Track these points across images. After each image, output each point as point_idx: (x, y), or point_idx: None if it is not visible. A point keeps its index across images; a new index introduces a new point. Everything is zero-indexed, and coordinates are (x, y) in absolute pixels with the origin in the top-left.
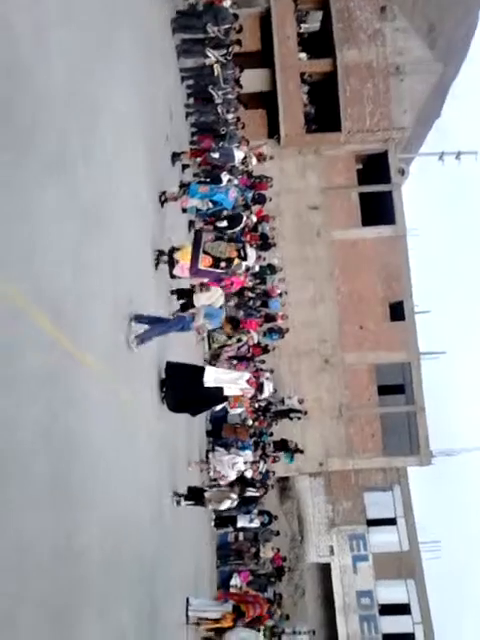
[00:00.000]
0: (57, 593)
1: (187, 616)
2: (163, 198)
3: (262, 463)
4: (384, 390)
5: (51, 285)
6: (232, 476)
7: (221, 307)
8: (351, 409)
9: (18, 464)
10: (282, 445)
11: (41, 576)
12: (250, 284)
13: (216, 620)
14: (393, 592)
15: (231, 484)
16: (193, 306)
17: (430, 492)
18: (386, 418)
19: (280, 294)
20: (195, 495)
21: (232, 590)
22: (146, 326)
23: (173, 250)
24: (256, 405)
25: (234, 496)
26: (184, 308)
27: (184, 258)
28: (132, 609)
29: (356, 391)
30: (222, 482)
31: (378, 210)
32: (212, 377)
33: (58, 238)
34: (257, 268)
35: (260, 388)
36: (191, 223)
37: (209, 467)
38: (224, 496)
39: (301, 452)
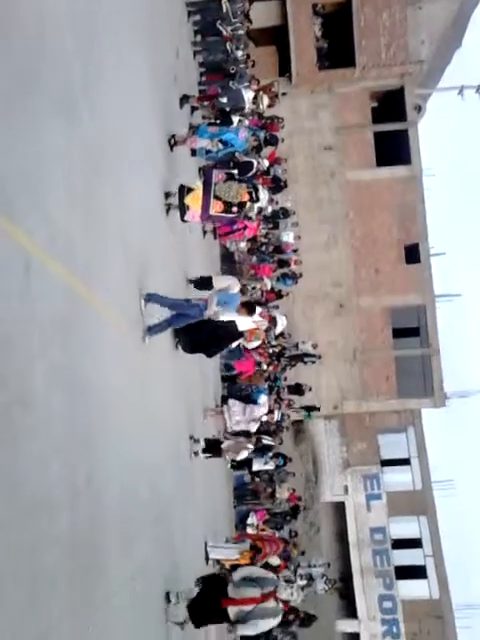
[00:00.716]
0: (78, 528)
1: (206, 556)
2: (173, 141)
3: (277, 412)
4: (399, 333)
5: (63, 230)
6: (252, 429)
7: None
8: (365, 353)
9: (38, 407)
10: (296, 389)
11: (63, 513)
12: (263, 231)
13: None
14: (405, 528)
15: (247, 434)
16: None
17: (444, 433)
18: (401, 361)
19: (295, 249)
20: (212, 447)
21: (249, 529)
22: (157, 307)
23: (183, 189)
24: (270, 350)
25: (251, 446)
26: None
27: (194, 205)
28: (152, 543)
29: (371, 335)
30: (237, 428)
31: (393, 150)
32: (227, 315)
33: (66, 182)
34: (270, 210)
35: (273, 322)
36: (201, 170)
37: (225, 418)
38: (241, 447)
39: (317, 409)
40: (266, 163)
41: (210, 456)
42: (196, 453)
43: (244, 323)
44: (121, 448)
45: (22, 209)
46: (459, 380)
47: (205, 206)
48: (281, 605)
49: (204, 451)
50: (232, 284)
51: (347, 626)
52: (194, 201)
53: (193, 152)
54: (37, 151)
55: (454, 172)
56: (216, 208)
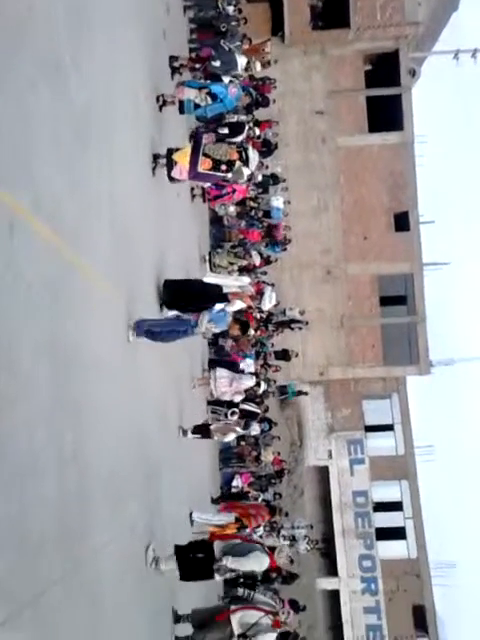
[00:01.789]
0: (65, 493)
1: (191, 523)
2: (161, 101)
3: (263, 385)
4: (386, 301)
5: (48, 192)
6: (237, 399)
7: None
8: (352, 320)
9: (23, 373)
10: (283, 355)
11: (50, 477)
12: (252, 194)
13: (220, 527)
14: (387, 491)
15: (232, 404)
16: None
17: (428, 400)
18: (387, 328)
19: (286, 228)
20: (201, 430)
21: (234, 490)
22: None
23: (171, 151)
24: (257, 315)
25: (239, 429)
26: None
27: (182, 160)
28: (139, 505)
29: (358, 302)
30: (223, 398)
31: (386, 115)
32: (211, 280)
33: (52, 143)
34: (260, 177)
35: (261, 295)
36: (191, 133)
37: (211, 387)
38: (229, 429)
39: (305, 394)
40: (257, 131)
41: (199, 437)
42: (185, 432)
43: (230, 288)
44: (108, 414)
45: (6, 170)
46: (444, 348)
47: (193, 162)
48: (267, 550)
49: (193, 432)
50: (243, 289)
51: (328, 584)
52: (182, 157)
53: (181, 107)
54: (22, 112)
55: (447, 139)
56: (204, 165)
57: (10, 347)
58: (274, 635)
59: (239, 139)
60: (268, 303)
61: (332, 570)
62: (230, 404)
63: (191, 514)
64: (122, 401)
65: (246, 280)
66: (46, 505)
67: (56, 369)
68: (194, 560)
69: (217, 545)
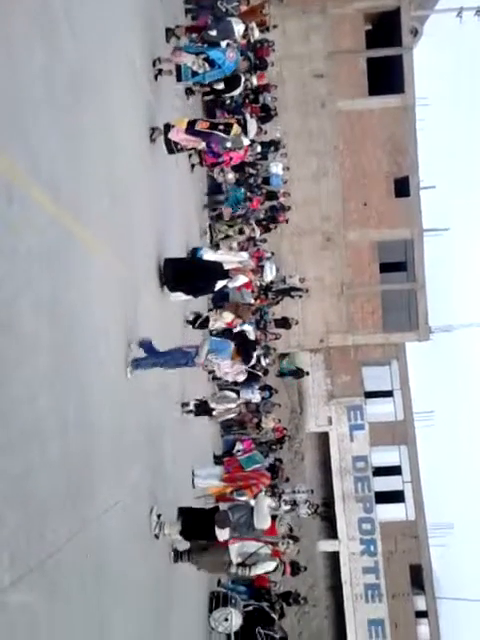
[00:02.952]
0: (70, 455)
1: (193, 483)
2: (157, 69)
3: (264, 360)
4: (386, 267)
5: (45, 159)
6: (240, 379)
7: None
8: (352, 287)
9: (25, 340)
10: (283, 323)
11: (54, 440)
12: (250, 159)
13: (219, 488)
14: (386, 456)
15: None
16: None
17: (427, 366)
18: (387, 295)
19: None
20: (202, 408)
21: (237, 455)
22: (145, 354)
23: (168, 125)
24: (257, 283)
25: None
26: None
27: (180, 124)
28: (143, 468)
29: (358, 269)
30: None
31: (387, 77)
32: (211, 256)
33: (48, 107)
34: (259, 148)
35: (261, 269)
36: (188, 90)
37: (214, 368)
38: (229, 412)
39: (307, 374)
40: (255, 81)
41: (199, 414)
42: (189, 411)
43: (230, 264)
44: (110, 380)
45: (2, 135)
46: (444, 314)
47: (191, 123)
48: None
49: (196, 414)
50: (243, 264)
51: (328, 546)
52: (180, 121)
53: (178, 74)
54: (16, 75)
55: (449, 101)
56: (202, 125)
57: (11, 312)
58: (274, 564)
59: (236, 92)
60: (269, 275)
61: (332, 533)
62: (234, 385)
63: (193, 471)
64: (122, 368)
65: (245, 255)
66: (51, 467)
67: (58, 334)
68: (198, 523)
69: (233, 549)
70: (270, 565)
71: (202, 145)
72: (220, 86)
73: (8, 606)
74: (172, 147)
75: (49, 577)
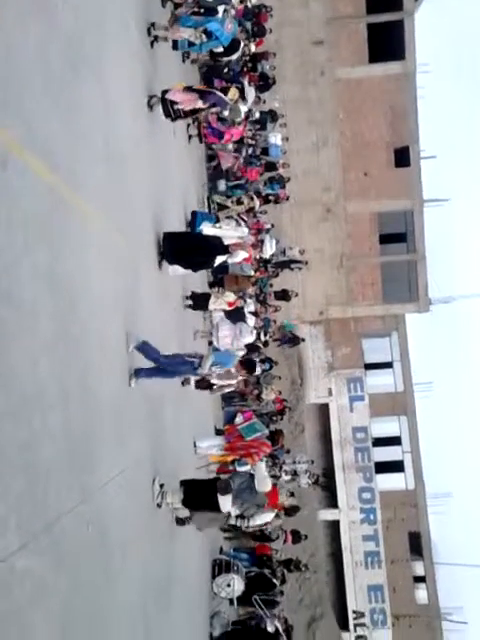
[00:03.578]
0: (72, 424)
1: (195, 450)
2: (153, 35)
3: (263, 335)
4: (386, 239)
5: (41, 127)
6: (241, 345)
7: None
8: (352, 259)
9: (24, 309)
10: (283, 295)
11: (56, 409)
12: (250, 133)
13: (221, 456)
14: (386, 427)
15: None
16: (206, 309)
17: (427, 337)
18: (387, 267)
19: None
20: (202, 383)
21: (237, 425)
22: (148, 361)
23: (165, 91)
24: (257, 256)
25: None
26: (195, 308)
27: (178, 85)
28: (145, 438)
29: (357, 241)
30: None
31: (387, 44)
32: (211, 230)
33: (44, 75)
34: (257, 115)
35: (261, 243)
36: (185, 54)
37: (213, 339)
38: (228, 386)
39: (303, 340)
40: (253, 47)
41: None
42: (186, 381)
43: (230, 239)
44: (111, 350)
45: None
46: (444, 285)
47: (189, 85)
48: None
49: (196, 388)
50: (243, 239)
51: (328, 515)
52: (177, 84)
53: (174, 44)
54: (10, 42)
55: (450, 68)
56: (200, 85)
57: (10, 280)
58: (271, 515)
59: (234, 57)
60: (269, 250)
61: (332, 502)
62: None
63: (194, 443)
64: (126, 338)
65: (245, 230)
66: (53, 436)
67: (56, 302)
68: (200, 492)
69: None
70: (268, 516)
71: (200, 103)
72: (219, 50)
73: (15, 569)
74: (169, 109)
75: (54, 544)
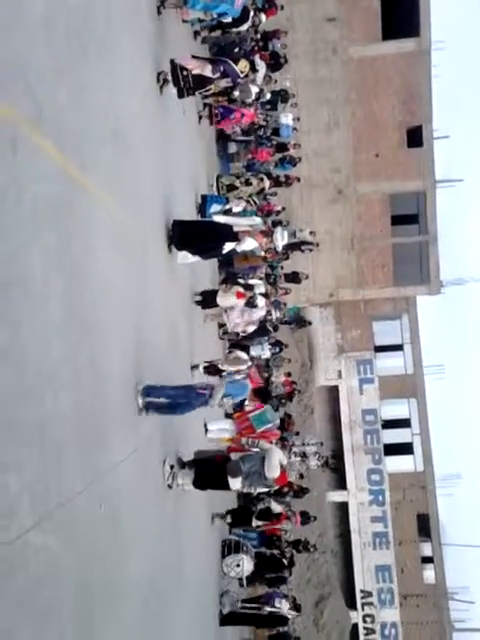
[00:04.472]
0: (85, 406)
1: (205, 429)
2: (162, 12)
3: (274, 312)
4: (397, 220)
5: (49, 107)
6: (249, 330)
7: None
8: (363, 240)
9: (34, 290)
10: (293, 277)
11: (67, 390)
12: (260, 117)
13: (231, 439)
14: (396, 409)
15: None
16: (215, 306)
17: (438, 319)
18: (398, 248)
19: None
20: (212, 368)
21: (248, 413)
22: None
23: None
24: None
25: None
26: (204, 306)
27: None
28: (155, 418)
29: (369, 222)
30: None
31: (401, 20)
32: (222, 219)
33: (50, 55)
34: (268, 96)
35: (272, 233)
36: (196, 33)
37: (224, 319)
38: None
39: (310, 323)
40: (263, 18)
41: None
42: (195, 367)
43: (240, 226)
44: (121, 332)
45: (4, 82)
46: (455, 267)
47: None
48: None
49: (205, 370)
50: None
51: (337, 496)
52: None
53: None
54: (17, 23)
55: (466, 45)
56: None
57: (20, 261)
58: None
59: (244, 27)
60: (280, 242)
61: (341, 484)
62: (243, 347)
63: (205, 425)
64: (134, 321)
65: (258, 220)
66: (65, 417)
67: (67, 285)
68: (210, 473)
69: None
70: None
71: (209, 69)
72: (228, 20)
73: (29, 546)
74: (179, 75)
75: (67, 522)
